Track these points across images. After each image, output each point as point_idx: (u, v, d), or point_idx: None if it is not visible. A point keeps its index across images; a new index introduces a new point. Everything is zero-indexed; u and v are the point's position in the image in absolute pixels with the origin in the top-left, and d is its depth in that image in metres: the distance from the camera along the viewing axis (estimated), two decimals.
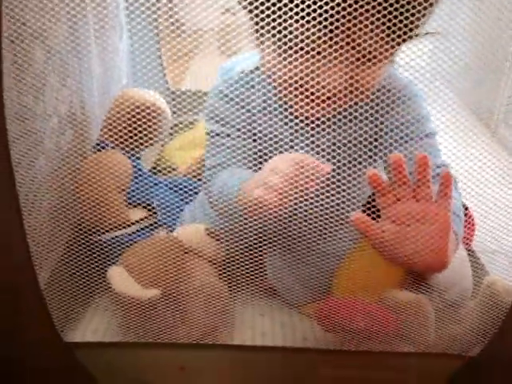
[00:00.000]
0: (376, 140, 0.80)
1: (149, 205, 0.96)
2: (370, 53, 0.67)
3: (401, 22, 0.62)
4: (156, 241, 0.81)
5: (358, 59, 0.68)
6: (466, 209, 0.88)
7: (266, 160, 0.75)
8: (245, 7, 0.69)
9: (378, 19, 0.62)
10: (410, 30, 0.63)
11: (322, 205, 0.77)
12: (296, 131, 0.80)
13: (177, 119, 1.11)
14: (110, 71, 1.15)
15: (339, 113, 0.77)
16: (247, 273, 0.80)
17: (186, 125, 1.19)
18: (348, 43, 0.65)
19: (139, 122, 0.85)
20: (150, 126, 0.85)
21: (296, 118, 0.80)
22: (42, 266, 0.74)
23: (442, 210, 0.65)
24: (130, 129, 0.88)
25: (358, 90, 0.71)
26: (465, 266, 0.78)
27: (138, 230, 0.93)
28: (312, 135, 0.79)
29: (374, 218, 0.68)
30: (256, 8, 0.61)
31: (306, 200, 0.76)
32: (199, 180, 1.04)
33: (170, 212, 0.96)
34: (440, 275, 0.75)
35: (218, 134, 0.85)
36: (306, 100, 0.73)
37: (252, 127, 0.81)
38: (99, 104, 1.07)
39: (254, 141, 0.82)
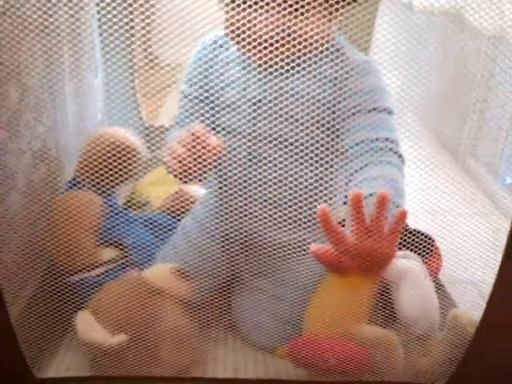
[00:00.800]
0: (333, 105, 0.83)
1: (121, 244, 0.97)
2: (296, 2, 0.72)
3: None
4: (123, 283, 0.81)
5: (285, 8, 0.73)
6: (433, 240, 0.90)
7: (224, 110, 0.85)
8: None
9: None
10: None
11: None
12: (252, 78, 0.85)
13: (150, 154, 1.12)
14: (84, 108, 1.16)
15: (292, 67, 0.80)
16: (216, 314, 0.83)
17: (159, 159, 1.20)
18: None
19: (114, 162, 0.86)
20: (125, 166, 0.86)
21: (252, 67, 0.85)
22: (13, 302, 0.74)
23: (390, 245, 0.69)
24: (105, 168, 0.89)
25: (294, 37, 0.76)
26: (432, 299, 0.79)
27: (107, 271, 0.93)
28: (266, 83, 0.83)
29: None
30: None
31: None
32: (174, 217, 1.06)
33: (143, 250, 0.96)
34: (408, 310, 0.77)
35: (183, 94, 0.95)
36: (254, 45, 0.77)
37: (214, 83, 0.88)
38: (73, 140, 1.08)
39: (213, 94, 0.88)
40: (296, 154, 0.84)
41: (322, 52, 0.81)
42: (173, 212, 1.10)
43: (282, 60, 0.79)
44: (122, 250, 0.97)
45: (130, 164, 0.88)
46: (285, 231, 0.89)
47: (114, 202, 1.01)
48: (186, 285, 0.83)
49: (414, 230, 0.83)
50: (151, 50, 1.30)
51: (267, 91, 0.83)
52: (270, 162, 0.85)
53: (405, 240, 0.73)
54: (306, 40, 0.78)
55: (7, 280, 0.70)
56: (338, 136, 0.83)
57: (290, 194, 0.86)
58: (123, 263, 0.95)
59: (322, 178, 0.84)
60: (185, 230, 0.99)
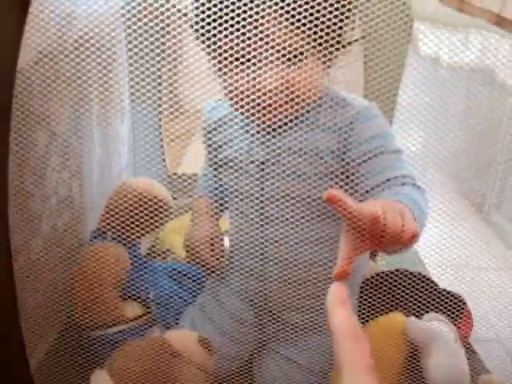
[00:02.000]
0: (341, 154, 0.81)
1: (145, 300, 0.95)
2: (289, 52, 0.72)
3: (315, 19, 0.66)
4: (144, 344, 0.79)
5: (281, 61, 0.73)
6: (464, 302, 0.87)
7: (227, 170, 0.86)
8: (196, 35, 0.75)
9: (288, 19, 0.67)
10: (328, 27, 0.67)
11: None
12: (255, 140, 0.83)
13: (174, 202, 1.12)
14: (109, 154, 1.18)
15: (295, 123, 0.80)
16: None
17: (182, 207, 1.20)
18: (268, 45, 0.70)
19: (141, 213, 0.86)
20: (151, 217, 0.85)
21: (256, 127, 0.83)
22: (32, 351, 0.73)
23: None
24: (131, 219, 0.89)
25: (294, 92, 0.75)
26: (463, 365, 0.75)
27: (130, 328, 0.91)
28: (270, 143, 0.82)
29: None
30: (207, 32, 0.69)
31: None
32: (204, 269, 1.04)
33: (167, 306, 0.95)
34: (438, 377, 0.74)
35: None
36: (254, 108, 0.76)
37: (218, 146, 0.89)
38: (98, 186, 1.08)
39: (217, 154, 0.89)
40: (308, 209, 0.82)
41: (322, 103, 0.80)
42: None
43: (284, 117, 0.79)
44: (144, 305, 0.95)
45: (156, 215, 0.87)
46: (305, 295, 0.86)
47: (138, 252, 1.00)
48: (211, 356, 0.81)
49: (444, 291, 0.81)
50: (177, 97, 1.32)
51: (271, 152, 0.82)
52: (282, 221, 0.84)
53: (435, 301, 0.71)
54: (305, 92, 0.76)
55: (28, 328, 0.69)
56: (350, 186, 0.81)
57: (306, 250, 0.84)
58: (146, 320, 0.93)
59: (338, 230, 0.81)
60: (212, 292, 0.97)
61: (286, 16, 0.67)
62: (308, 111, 0.80)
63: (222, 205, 0.96)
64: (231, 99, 0.78)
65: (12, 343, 0.67)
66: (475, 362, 0.84)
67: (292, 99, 0.76)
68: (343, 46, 0.76)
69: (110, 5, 0.89)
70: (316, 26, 0.66)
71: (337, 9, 0.64)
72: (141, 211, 0.86)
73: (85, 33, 0.77)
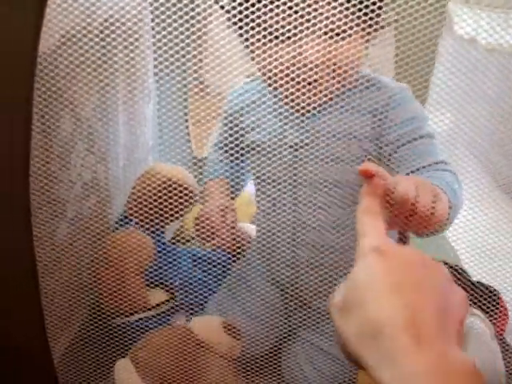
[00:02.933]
0: (376, 138, 0.80)
1: (169, 286, 0.95)
2: (337, 27, 0.69)
3: None
4: (168, 333, 0.79)
5: (326, 33, 0.70)
6: (498, 295, 0.85)
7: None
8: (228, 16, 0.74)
9: None
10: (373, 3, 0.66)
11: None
12: (288, 123, 0.82)
13: (200, 187, 1.11)
14: (135, 137, 1.16)
15: (330, 105, 0.79)
16: (264, 370, 0.79)
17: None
18: (314, 19, 0.68)
19: (167, 200, 0.84)
20: (177, 204, 0.84)
21: (287, 109, 0.82)
22: (56, 340, 0.73)
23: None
24: (157, 206, 0.88)
25: (337, 66, 0.73)
26: (498, 362, 0.73)
27: (154, 316, 0.91)
28: (304, 126, 0.81)
29: None
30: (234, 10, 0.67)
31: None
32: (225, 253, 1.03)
33: (191, 293, 0.94)
34: None
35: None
36: (294, 87, 0.74)
37: (250, 128, 0.86)
38: (123, 170, 1.07)
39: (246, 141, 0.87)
40: (340, 194, 0.81)
41: (358, 85, 0.79)
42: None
43: (323, 95, 0.76)
44: (169, 291, 0.95)
45: (183, 202, 0.86)
46: (335, 282, 0.85)
47: (163, 238, 0.99)
48: (237, 343, 0.81)
49: (478, 283, 0.79)
50: (202, 79, 1.30)
51: (305, 134, 0.80)
52: (315, 206, 0.82)
53: (470, 295, 0.68)
54: (348, 67, 0.75)
55: (53, 315, 0.68)
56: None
57: (338, 236, 0.83)
58: (171, 307, 0.93)
59: None
60: (240, 275, 0.96)
61: None
62: (343, 93, 0.78)
63: (236, 188, 0.96)
64: (270, 77, 0.76)
65: (34, 333, 0.66)
66: (510, 357, 0.82)
67: (335, 75, 0.74)
68: (382, 27, 0.76)
69: None
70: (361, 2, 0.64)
71: None
72: (166, 199, 0.85)
73: (110, 15, 0.75)
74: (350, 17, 0.68)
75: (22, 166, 0.60)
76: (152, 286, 0.94)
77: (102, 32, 0.74)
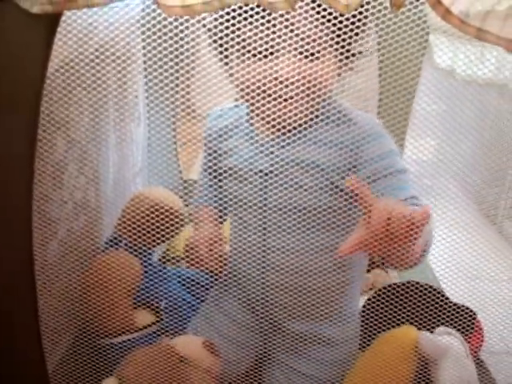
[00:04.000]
0: (345, 171, 0.80)
1: (156, 307, 0.97)
2: (310, 46, 0.73)
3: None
4: (151, 350, 0.80)
5: (301, 52, 0.74)
6: (475, 315, 0.87)
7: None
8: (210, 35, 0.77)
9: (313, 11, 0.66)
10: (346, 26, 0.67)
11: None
12: (258, 150, 0.83)
13: (186, 209, 1.13)
14: (125, 158, 1.19)
15: (300, 135, 0.79)
16: None
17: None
18: (291, 37, 0.71)
19: (156, 223, 0.87)
20: (165, 228, 0.87)
21: (260, 136, 0.84)
22: (51, 353, 0.74)
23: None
24: (146, 229, 0.90)
25: (310, 84, 0.74)
26: (473, 380, 0.75)
27: (141, 337, 0.92)
28: (274, 152, 0.82)
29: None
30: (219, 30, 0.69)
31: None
32: (211, 275, 1.05)
33: (177, 316, 0.96)
34: None
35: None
36: (267, 103, 0.75)
37: (222, 152, 0.89)
38: (113, 190, 1.09)
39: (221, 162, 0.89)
40: (310, 219, 0.82)
41: (328, 118, 0.79)
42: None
43: (291, 122, 0.78)
44: (156, 313, 0.96)
45: (171, 225, 0.88)
46: (305, 304, 0.87)
47: (151, 260, 1.01)
48: (216, 360, 0.82)
49: (455, 305, 0.81)
50: (190, 99, 1.33)
51: (274, 161, 0.81)
52: (284, 230, 0.84)
53: (447, 315, 0.71)
54: (320, 87, 0.76)
55: (43, 333, 0.70)
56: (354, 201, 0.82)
57: (307, 259, 0.84)
58: (156, 328, 0.94)
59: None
60: (215, 300, 0.97)
61: (312, 7, 0.66)
62: (315, 123, 0.80)
63: (223, 212, 0.96)
64: (245, 93, 0.78)
65: (31, 347, 0.68)
66: (485, 376, 0.84)
67: (306, 94, 0.75)
68: (359, 52, 0.78)
69: (129, 14, 0.90)
70: (340, 22, 0.66)
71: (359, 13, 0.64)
72: (154, 223, 0.87)
73: (105, 42, 0.79)
74: (324, 38, 0.72)
75: (26, 182, 0.63)
76: (139, 306, 0.96)
77: (95, 58, 0.77)
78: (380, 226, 0.62)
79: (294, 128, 0.80)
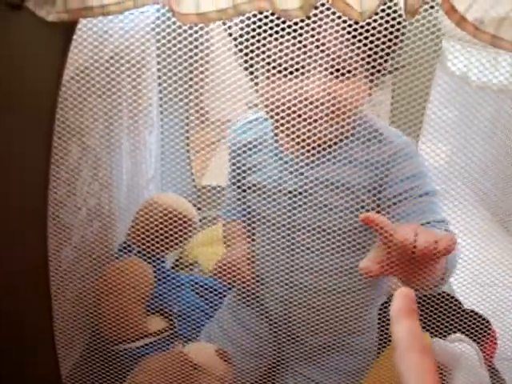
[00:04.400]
0: (376, 192, 0.79)
1: (168, 314, 0.97)
2: (341, 65, 0.70)
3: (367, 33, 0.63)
4: (164, 357, 0.81)
5: (331, 72, 0.71)
6: (488, 323, 0.86)
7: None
8: (239, 50, 0.74)
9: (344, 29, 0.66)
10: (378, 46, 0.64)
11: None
12: (285, 169, 0.81)
13: (200, 215, 1.13)
14: (137, 165, 1.19)
15: (329, 154, 0.78)
16: None
17: (209, 220, 1.22)
18: (321, 55, 0.69)
19: (168, 230, 0.87)
20: (179, 235, 0.87)
21: (288, 155, 0.82)
22: (64, 358, 0.75)
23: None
24: (158, 236, 0.90)
25: (339, 105, 0.72)
26: None
27: (153, 343, 0.92)
28: (301, 174, 0.80)
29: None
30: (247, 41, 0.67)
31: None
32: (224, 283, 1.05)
33: (189, 322, 0.96)
34: None
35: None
36: (295, 123, 0.73)
37: (247, 169, 0.86)
38: (126, 197, 1.10)
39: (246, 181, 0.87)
40: (338, 241, 0.80)
41: (360, 135, 0.77)
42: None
43: (321, 142, 0.76)
44: (169, 319, 0.97)
45: (183, 232, 0.89)
46: (328, 320, 0.86)
47: (164, 266, 1.01)
48: (229, 368, 0.82)
49: (470, 311, 0.81)
50: (203, 106, 1.34)
51: (303, 182, 0.80)
52: (310, 250, 0.82)
53: (460, 322, 0.71)
54: (350, 108, 0.73)
55: (57, 340, 0.70)
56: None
57: (331, 281, 0.83)
58: (169, 335, 0.94)
59: None
60: (231, 308, 0.97)
61: (344, 26, 0.65)
62: (345, 143, 0.78)
63: (251, 227, 0.94)
64: (272, 111, 0.75)
65: (45, 350, 0.69)
66: (499, 383, 0.84)
67: (336, 114, 0.73)
68: (389, 72, 0.76)
69: (144, 22, 0.91)
70: (371, 42, 0.63)
71: (391, 32, 0.62)
72: (166, 229, 0.87)
73: (120, 49, 0.79)
74: (356, 57, 0.70)
75: (41, 188, 0.64)
76: (152, 312, 0.96)
77: (110, 66, 0.78)
78: (404, 249, 0.60)
79: (324, 148, 0.78)
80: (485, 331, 0.82)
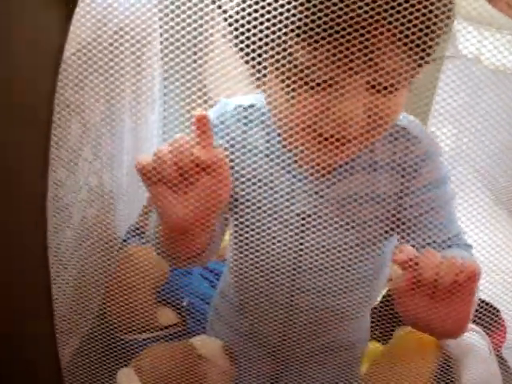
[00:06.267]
0: (396, 197, 0.70)
1: (178, 306, 0.94)
2: (390, 76, 0.57)
3: (420, 38, 0.55)
4: (170, 346, 0.80)
5: (376, 86, 0.58)
6: (498, 311, 0.85)
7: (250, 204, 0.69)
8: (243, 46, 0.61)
9: (396, 36, 0.54)
10: (430, 47, 0.57)
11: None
12: (297, 182, 0.70)
13: None
14: (140, 144, 1.17)
15: (352, 166, 0.68)
16: None
17: None
18: (364, 65, 0.55)
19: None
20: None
21: (299, 167, 0.70)
22: (65, 344, 0.74)
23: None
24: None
25: (377, 126, 0.61)
26: (496, 378, 0.74)
27: (162, 337, 0.91)
28: (315, 190, 0.69)
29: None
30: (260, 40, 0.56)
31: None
32: None
33: (200, 317, 0.93)
34: None
35: None
36: (316, 145, 0.61)
37: (241, 167, 0.70)
38: (127, 176, 1.08)
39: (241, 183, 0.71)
40: (352, 257, 0.71)
41: (386, 136, 0.66)
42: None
43: (342, 158, 0.63)
44: (178, 313, 0.95)
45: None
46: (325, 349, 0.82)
47: None
48: (233, 365, 0.81)
49: (479, 300, 0.80)
50: (205, 84, 1.31)
51: (319, 202, 0.68)
52: (319, 271, 0.73)
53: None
54: (390, 122, 0.62)
55: (59, 322, 0.69)
56: (402, 232, 0.70)
57: (339, 300, 0.75)
58: (179, 331, 0.92)
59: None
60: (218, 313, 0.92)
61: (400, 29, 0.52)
62: (371, 150, 0.67)
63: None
64: (289, 130, 0.62)
65: (43, 342, 0.67)
66: (508, 373, 0.83)
67: (372, 134, 0.61)
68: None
69: None
70: (424, 42, 0.54)
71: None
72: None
73: (123, 25, 0.77)
74: (410, 64, 0.57)
75: (41, 168, 0.63)
76: (162, 303, 0.94)
77: (112, 42, 0.76)
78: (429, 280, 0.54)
79: (346, 162, 0.67)
80: (494, 320, 0.81)
